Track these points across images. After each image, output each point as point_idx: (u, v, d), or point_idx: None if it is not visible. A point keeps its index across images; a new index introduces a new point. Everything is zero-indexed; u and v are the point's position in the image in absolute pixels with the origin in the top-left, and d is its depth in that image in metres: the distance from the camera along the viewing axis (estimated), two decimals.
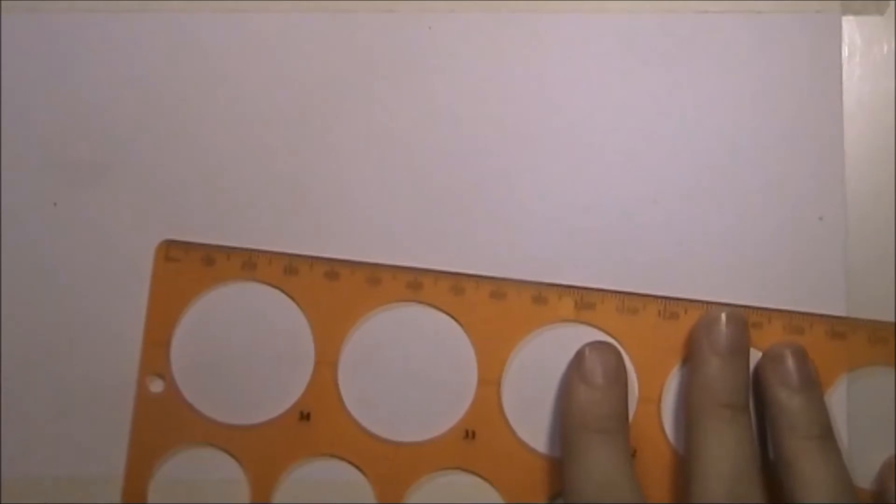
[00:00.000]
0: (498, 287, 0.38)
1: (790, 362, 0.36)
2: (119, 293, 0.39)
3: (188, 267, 0.39)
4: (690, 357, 0.37)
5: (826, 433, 0.35)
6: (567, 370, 0.37)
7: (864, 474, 0.37)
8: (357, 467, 0.38)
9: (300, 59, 0.40)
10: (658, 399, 0.38)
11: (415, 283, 0.38)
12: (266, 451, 0.38)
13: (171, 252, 0.39)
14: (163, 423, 0.38)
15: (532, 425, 0.38)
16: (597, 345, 0.37)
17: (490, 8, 0.40)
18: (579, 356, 0.36)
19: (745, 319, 0.36)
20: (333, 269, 0.39)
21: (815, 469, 0.34)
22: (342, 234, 0.39)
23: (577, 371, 0.36)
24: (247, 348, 0.39)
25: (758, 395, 0.36)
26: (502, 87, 0.40)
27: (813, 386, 0.36)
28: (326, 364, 0.38)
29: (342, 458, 0.38)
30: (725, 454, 0.34)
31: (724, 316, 0.36)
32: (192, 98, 0.40)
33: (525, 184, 0.39)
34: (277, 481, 0.38)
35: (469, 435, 0.38)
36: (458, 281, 0.38)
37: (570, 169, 0.39)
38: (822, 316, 0.38)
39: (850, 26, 0.40)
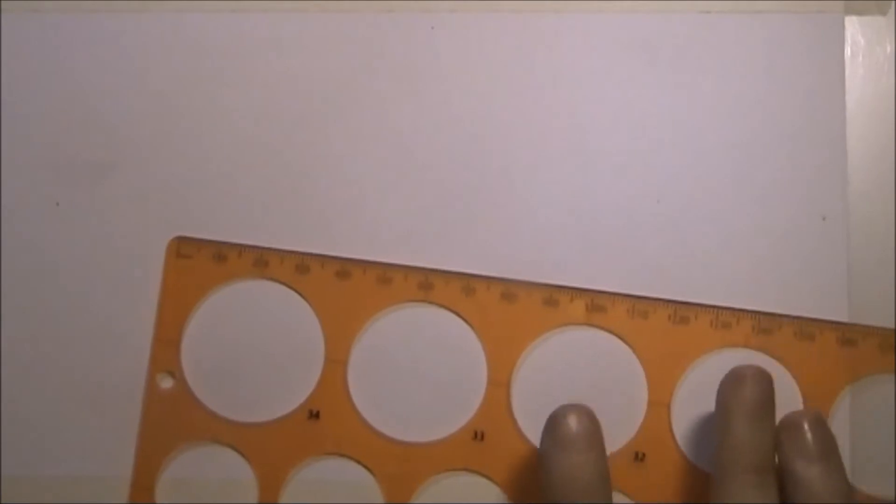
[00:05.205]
0: (509, 289, 0.38)
1: (807, 432, 0.34)
2: (126, 292, 0.39)
3: (200, 264, 0.39)
4: (717, 415, 0.35)
5: (846, 501, 0.34)
6: (542, 437, 0.35)
7: (872, 481, 0.37)
8: (365, 467, 0.38)
9: (307, 58, 0.40)
10: (668, 403, 0.38)
11: (426, 284, 0.39)
12: (275, 449, 0.38)
13: (183, 248, 0.39)
14: (172, 421, 0.38)
15: (541, 428, 0.37)
16: (570, 408, 0.35)
17: (492, 8, 0.40)
18: (553, 421, 0.35)
19: (770, 378, 0.35)
20: (345, 268, 0.39)
21: None
22: (354, 234, 0.39)
23: (552, 437, 0.34)
24: (257, 346, 0.39)
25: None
26: (510, 88, 0.40)
27: (831, 455, 0.34)
28: (336, 363, 0.38)
29: (350, 458, 0.38)
30: None
31: (750, 376, 0.35)
32: (194, 98, 0.40)
33: (536, 185, 0.39)
34: (286, 480, 0.38)
35: (478, 436, 0.38)
36: (469, 282, 0.39)
37: (580, 170, 0.39)
38: (832, 323, 0.38)
39: (853, 26, 0.40)
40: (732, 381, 0.35)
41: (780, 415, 0.37)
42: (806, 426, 0.34)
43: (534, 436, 0.38)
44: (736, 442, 0.34)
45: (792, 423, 0.35)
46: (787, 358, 0.38)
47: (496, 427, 0.38)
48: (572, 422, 0.34)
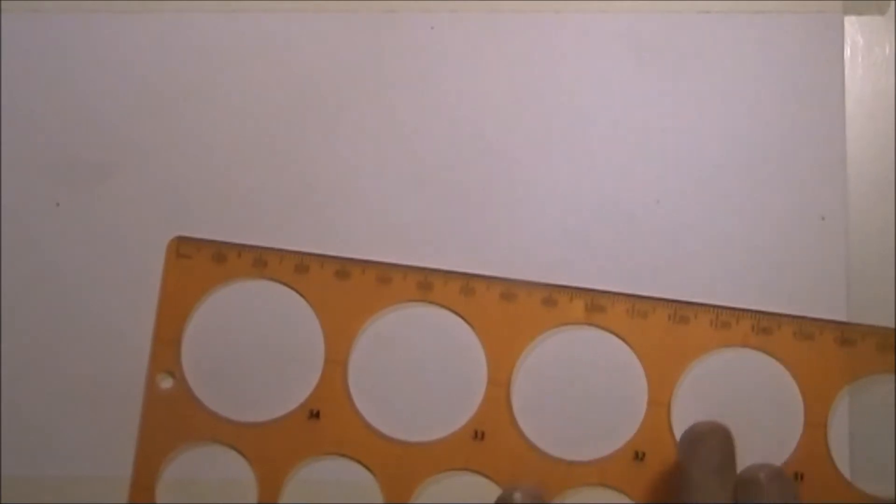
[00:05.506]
0: (508, 288, 0.38)
1: (765, 487, 0.34)
2: (126, 292, 0.39)
3: (199, 264, 0.39)
4: (679, 469, 0.36)
5: None
6: None
7: (872, 481, 0.37)
8: (365, 466, 0.38)
9: (307, 59, 0.40)
10: (668, 402, 0.38)
11: (425, 284, 0.39)
12: (274, 449, 0.38)
13: (183, 249, 0.39)
14: (171, 421, 0.38)
15: (541, 427, 0.38)
16: (515, 489, 0.35)
17: (492, 8, 0.40)
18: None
19: (728, 432, 0.35)
20: (344, 267, 0.39)
21: None
22: (353, 234, 0.39)
23: None
24: (257, 346, 0.39)
25: None
26: (509, 88, 0.40)
27: None
28: (336, 363, 0.38)
29: (350, 458, 0.38)
30: None
31: (708, 433, 0.35)
32: (194, 98, 0.40)
33: (536, 184, 0.39)
34: (285, 480, 0.38)
35: (478, 436, 0.38)
36: (468, 282, 0.39)
37: (579, 170, 0.39)
38: (831, 322, 0.38)
39: (852, 26, 0.40)
40: (690, 439, 0.35)
41: (778, 414, 0.37)
42: (763, 480, 0.34)
43: (533, 435, 0.38)
44: (696, 498, 0.34)
45: (750, 478, 0.35)
46: (786, 358, 0.38)
47: (496, 427, 0.38)
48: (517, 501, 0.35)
